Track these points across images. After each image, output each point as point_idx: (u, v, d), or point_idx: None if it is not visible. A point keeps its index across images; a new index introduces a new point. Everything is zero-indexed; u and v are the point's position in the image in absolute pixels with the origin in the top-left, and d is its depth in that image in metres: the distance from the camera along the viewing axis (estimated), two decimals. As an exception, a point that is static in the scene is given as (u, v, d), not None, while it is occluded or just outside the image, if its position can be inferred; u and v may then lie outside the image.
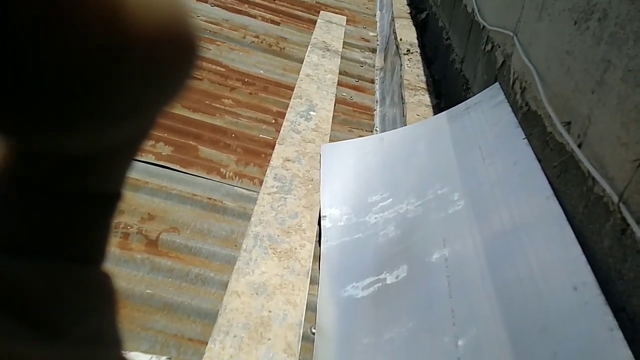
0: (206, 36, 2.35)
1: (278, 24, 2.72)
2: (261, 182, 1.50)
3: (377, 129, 2.12)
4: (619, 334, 0.70)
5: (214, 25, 2.48)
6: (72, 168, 0.13)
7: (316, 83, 2.07)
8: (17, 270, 0.11)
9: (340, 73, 2.35)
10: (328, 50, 2.39)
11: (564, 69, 0.98)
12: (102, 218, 0.15)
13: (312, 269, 1.31)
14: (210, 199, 1.43)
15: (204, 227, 1.34)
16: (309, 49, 2.35)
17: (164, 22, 0.12)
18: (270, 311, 1.10)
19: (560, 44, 1.01)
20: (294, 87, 2.05)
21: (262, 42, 2.47)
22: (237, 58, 2.25)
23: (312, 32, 2.59)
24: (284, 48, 2.47)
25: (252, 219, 1.33)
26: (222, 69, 2.10)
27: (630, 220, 0.72)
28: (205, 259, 1.26)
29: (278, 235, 1.30)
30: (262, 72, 2.20)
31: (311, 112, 1.88)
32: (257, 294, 1.13)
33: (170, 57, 0.12)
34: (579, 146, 0.89)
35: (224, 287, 1.16)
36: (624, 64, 0.79)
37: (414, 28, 2.49)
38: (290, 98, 1.96)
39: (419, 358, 0.93)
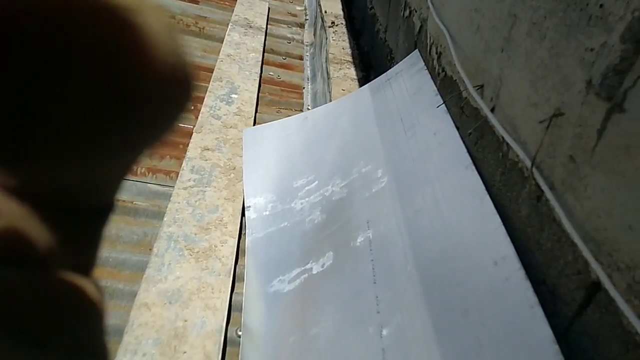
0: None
1: (197, 2, 2.53)
2: (177, 176, 1.37)
3: (309, 107, 2.02)
4: (539, 311, 0.65)
5: (123, 8, 2.27)
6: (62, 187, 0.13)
7: (238, 63, 1.93)
8: (2, 279, 0.11)
9: (266, 51, 2.22)
10: (250, 27, 2.25)
11: (474, 29, 0.91)
12: (93, 229, 0.14)
13: (238, 265, 1.21)
14: (118, 200, 1.28)
15: (111, 232, 1.20)
16: (229, 27, 2.19)
17: (176, 61, 0.12)
18: (185, 320, 1.00)
19: (469, 3, 0.94)
20: (214, 70, 1.91)
21: (179, 23, 2.28)
22: None
23: (234, 9, 2.42)
24: (203, 28, 2.30)
25: (166, 219, 1.21)
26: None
27: (544, 186, 0.67)
28: (114, 268, 1.13)
29: (195, 234, 1.19)
30: (178, 55, 2.03)
31: (233, 95, 1.74)
32: (170, 303, 1.02)
33: (176, 95, 0.12)
34: (492, 110, 0.83)
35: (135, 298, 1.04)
36: (529, 16, 0.72)
37: (339, 0, 2.39)
38: (209, 81, 1.82)
39: (344, 353, 0.86)
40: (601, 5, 0.57)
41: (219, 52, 2.05)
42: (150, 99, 0.11)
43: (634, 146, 0.52)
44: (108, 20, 0.10)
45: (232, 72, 1.87)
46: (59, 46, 0.10)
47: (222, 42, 2.14)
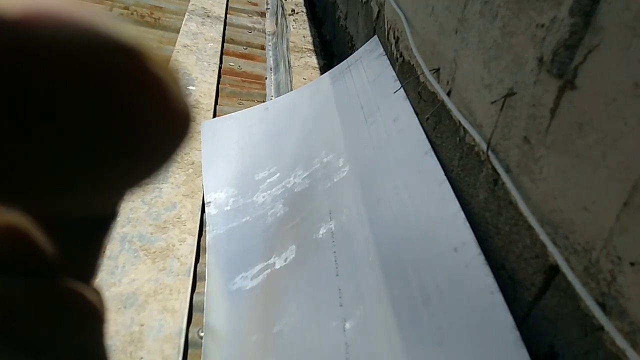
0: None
1: (151, -8, 2.42)
2: (133, 174, 1.30)
3: (272, 98, 1.97)
4: (499, 297, 0.64)
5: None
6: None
7: (195, 54, 1.86)
8: (0, 286, 0.11)
9: (226, 41, 2.15)
10: (208, 16, 2.17)
11: (429, 11, 0.89)
12: (95, 238, 0.14)
13: (200, 263, 1.16)
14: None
15: (61, 236, 1.13)
16: (186, 16, 2.11)
17: (183, 101, 0.12)
18: (142, 325, 0.95)
19: (424, -17, 0.92)
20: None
21: (132, 14, 2.19)
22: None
23: (191, -1, 2.33)
24: (159, 18, 2.21)
25: (119, 219, 1.15)
26: (81, 48, 1.82)
27: (499, 169, 0.65)
28: (64, 273, 1.06)
29: (151, 233, 1.13)
30: (132, 47, 1.94)
31: (190, 87, 1.68)
32: (125, 307, 0.97)
33: (180, 133, 0.12)
34: (448, 94, 0.81)
35: (88, 303, 0.98)
36: (481, -5, 0.70)
37: (299, -14, 2.33)
38: (165, 74, 1.74)
39: (307, 350, 0.83)
40: (550, -20, 0.55)
41: (176, 43, 1.97)
42: (159, 138, 0.11)
43: (586, 124, 0.51)
44: (127, 64, 0.10)
45: (189, 63, 1.80)
46: (76, 85, 0.10)
47: (178, 32, 2.05)
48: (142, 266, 1.05)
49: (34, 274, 0.11)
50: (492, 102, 0.62)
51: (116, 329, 0.92)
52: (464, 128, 0.75)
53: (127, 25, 0.11)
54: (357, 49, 1.45)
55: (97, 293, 0.14)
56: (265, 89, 1.99)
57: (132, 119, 0.11)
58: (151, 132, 0.11)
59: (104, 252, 1.09)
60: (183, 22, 2.09)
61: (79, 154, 0.10)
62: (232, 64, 2.05)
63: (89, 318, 0.13)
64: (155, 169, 0.12)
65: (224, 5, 2.36)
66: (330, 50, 1.96)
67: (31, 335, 0.11)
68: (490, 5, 0.67)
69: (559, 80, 0.53)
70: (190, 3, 2.27)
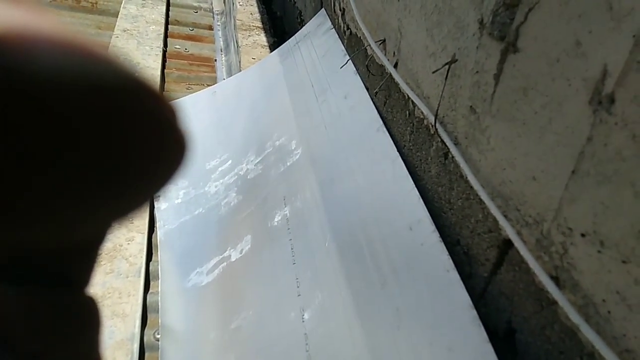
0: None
1: (86, -26, 2.25)
2: (73, 171, 1.21)
3: (224, 80, 1.88)
4: (455, 275, 0.61)
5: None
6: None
7: (136, 38, 1.75)
8: None
9: (170, 23, 2.03)
10: (149, -3, 2.04)
11: (370, -23, 0.84)
12: (91, 245, 0.14)
13: (153, 262, 1.10)
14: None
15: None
16: (124, -1, 1.97)
17: (183, 131, 0.12)
18: (89, 332, 0.88)
19: (363, -52, 0.86)
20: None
21: (67, 0, 2.03)
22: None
23: (129, -21, 2.18)
24: (96, 3, 2.06)
25: (59, 221, 1.07)
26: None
27: (448, 142, 0.62)
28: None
29: (96, 234, 1.06)
30: (67, 34, 1.80)
31: (132, 75, 1.57)
32: (69, 315, 0.90)
33: (180, 160, 0.12)
34: (395, 66, 0.77)
35: (30, 315, 0.91)
36: (420, -44, 0.66)
37: (245, -39, 2.22)
38: (104, 61, 1.63)
39: (266, 344, 0.79)
40: None
41: (114, 27, 1.84)
42: (158, 168, 0.11)
43: (531, 88, 0.47)
44: (127, 98, 0.10)
45: (129, 48, 1.69)
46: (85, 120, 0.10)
47: (117, 16, 1.92)
48: (87, 270, 0.98)
49: (30, 282, 0.11)
50: (434, 72, 0.58)
51: (61, 341, 0.86)
52: (412, 101, 0.72)
53: (121, 54, 0.10)
54: (306, 24, 1.39)
55: (93, 300, 0.14)
56: (215, 72, 1.90)
57: (133, 152, 0.10)
58: (151, 162, 0.11)
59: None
60: (122, 5, 1.95)
61: (76, 186, 0.10)
62: (178, 46, 1.94)
63: (85, 325, 0.13)
64: (151, 195, 0.12)
65: (166, -15, 2.23)
66: (282, 27, 1.88)
67: (28, 343, 0.11)
68: (430, -33, 0.63)
69: (501, 43, 0.49)
70: (129, -16, 2.13)
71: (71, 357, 0.12)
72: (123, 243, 1.06)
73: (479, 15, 0.52)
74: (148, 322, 0.99)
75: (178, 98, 1.57)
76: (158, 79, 1.60)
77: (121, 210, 0.11)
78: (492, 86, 0.52)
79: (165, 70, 1.73)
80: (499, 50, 0.50)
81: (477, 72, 0.55)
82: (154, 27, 1.85)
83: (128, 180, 0.11)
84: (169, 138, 0.11)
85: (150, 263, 1.09)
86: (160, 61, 1.69)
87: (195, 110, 1.37)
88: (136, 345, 0.89)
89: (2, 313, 0.11)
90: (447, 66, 0.56)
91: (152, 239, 1.13)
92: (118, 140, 0.10)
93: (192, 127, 1.09)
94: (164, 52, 1.80)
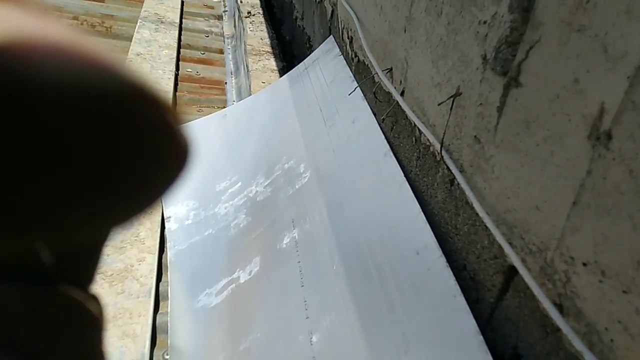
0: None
1: (102, 0, 2.34)
2: (87, 192, 1.24)
3: (234, 102, 1.93)
4: (462, 301, 0.62)
5: (15, 10, 2.04)
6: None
7: (149, 62, 1.80)
8: None
9: (182, 47, 2.09)
10: (162, 22, 2.10)
11: (378, 10, 0.87)
12: (92, 245, 0.14)
13: (162, 282, 1.12)
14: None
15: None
16: (138, 24, 2.04)
17: (187, 139, 0.12)
18: (100, 352, 0.90)
19: (371, -19, 0.90)
20: (123, 71, 1.76)
21: (82, 24, 2.10)
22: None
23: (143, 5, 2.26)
24: (110, 27, 2.13)
25: (72, 242, 1.09)
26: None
27: (454, 169, 0.64)
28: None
29: (108, 255, 1.08)
30: (83, 58, 1.86)
31: (145, 98, 1.62)
32: (81, 335, 0.92)
33: (182, 168, 0.12)
34: (402, 94, 0.79)
35: (43, 335, 0.92)
36: (426, -8, 0.69)
37: (255, -13, 2.29)
38: (118, 85, 1.67)
39: (274, 367, 0.80)
40: (490, -25, 0.54)
41: (128, 51, 1.90)
42: (162, 173, 0.12)
43: (532, 121, 0.49)
44: (132, 106, 0.10)
45: (143, 72, 1.74)
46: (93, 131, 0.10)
47: (131, 40, 1.98)
48: (99, 290, 1.00)
49: (31, 281, 0.11)
50: (440, 104, 0.61)
51: None
52: (418, 128, 0.74)
53: (126, 62, 0.10)
54: (315, 50, 1.43)
55: (96, 300, 0.14)
56: (225, 95, 1.95)
57: (135, 158, 0.10)
58: (152, 168, 0.11)
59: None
60: (135, 30, 2.02)
61: (76, 192, 0.10)
62: (189, 70, 1.99)
63: (87, 324, 0.13)
64: (153, 201, 0.12)
65: (179, 10, 2.30)
66: (291, 51, 1.93)
67: (30, 342, 0.11)
68: (435, 3, 0.66)
69: (504, 77, 0.52)
70: (143, 9, 2.20)
71: (73, 356, 0.12)
72: (134, 263, 1.08)
73: (482, 51, 0.55)
74: (157, 342, 1.00)
75: (190, 120, 1.60)
76: (170, 102, 1.64)
77: (123, 214, 0.11)
78: (496, 118, 0.55)
79: (177, 93, 1.78)
80: (501, 85, 0.52)
81: (480, 104, 0.57)
82: (166, 51, 1.90)
83: (129, 185, 0.11)
84: (170, 144, 0.11)
85: (160, 283, 1.10)
86: (172, 84, 1.74)
87: (206, 133, 1.40)
88: (146, 366, 0.90)
89: (4, 313, 0.11)
90: (452, 99, 0.59)
91: (162, 260, 1.15)
92: (120, 145, 0.10)
93: (203, 150, 1.12)
94: (176, 75, 1.84)
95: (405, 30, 0.77)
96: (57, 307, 0.12)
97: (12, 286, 0.11)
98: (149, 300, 1.01)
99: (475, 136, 0.59)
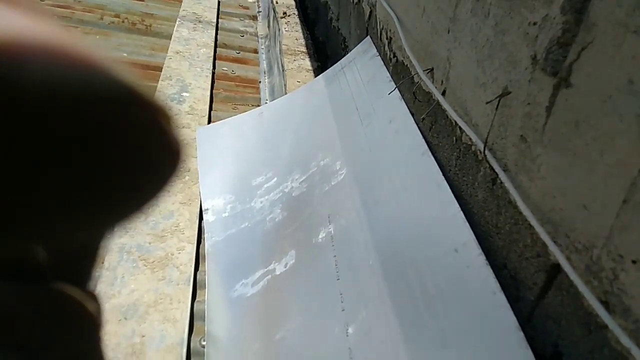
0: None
1: (142, -1, 2.41)
2: (129, 183, 1.29)
3: (267, 101, 1.96)
4: (501, 297, 0.63)
5: (63, 9, 2.15)
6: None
7: (188, 60, 1.85)
8: None
9: (218, 46, 2.15)
10: (200, 22, 2.16)
11: (420, 11, 0.89)
12: (90, 247, 0.14)
13: (199, 271, 1.16)
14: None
15: (58, 249, 1.12)
16: (177, 22, 2.10)
17: (179, 142, 0.12)
18: (143, 336, 0.94)
19: (414, -17, 0.91)
20: (162, 68, 1.82)
21: (123, 22, 2.18)
22: (94, 43, 1.95)
23: (181, 4, 2.33)
24: (150, 25, 2.20)
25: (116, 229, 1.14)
26: (73, 58, 1.80)
27: (497, 168, 0.65)
28: (63, 287, 1.06)
29: (150, 243, 1.13)
30: (125, 54, 1.94)
31: (184, 93, 1.67)
32: (125, 318, 0.96)
33: (175, 169, 0.12)
34: (443, 94, 0.81)
35: (88, 316, 0.97)
36: (472, -6, 0.70)
37: (290, -12, 2.33)
38: (158, 81, 1.73)
39: (310, 356, 0.82)
40: (542, -23, 0.55)
41: (168, 49, 1.96)
42: (153, 175, 0.12)
43: (582, 122, 0.50)
44: (124, 110, 0.10)
45: (182, 69, 1.79)
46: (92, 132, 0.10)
47: (170, 38, 2.05)
48: (141, 276, 1.05)
49: (24, 278, 0.11)
50: (487, 102, 0.62)
51: (117, 341, 0.92)
52: (460, 128, 0.75)
53: (118, 61, 0.10)
54: (350, 50, 1.45)
55: (94, 298, 0.13)
56: (259, 93, 1.99)
57: (126, 160, 0.10)
58: (144, 170, 0.11)
59: (102, 263, 1.08)
60: (175, 28, 2.08)
61: (68, 195, 0.10)
62: (225, 68, 2.04)
63: (85, 322, 0.13)
64: (147, 203, 0.12)
65: (215, 10, 2.36)
66: (324, 52, 1.95)
67: (26, 340, 0.11)
68: (482, 4, 0.67)
69: (554, 78, 0.53)
70: (182, 9, 2.27)
71: (72, 354, 0.12)
72: (174, 252, 1.12)
73: (532, 51, 0.56)
74: (194, 329, 1.03)
75: (225, 117, 1.65)
76: (208, 99, 1.69)
77: (115, 216, 0.11)
78: (544, 118, 0.55)
79: (214, 91, 1.83)
80: (551, 85, 0.53)
81: (528, 103, 0.58)
82: (204, 49, 1.96)
83: (121, 187, 0.11)
84: (162, 146, 0.11)
85: (197, 273, 1.14)
86: (209, 82, 1.78)
87: (243, 130, 1.44)
88: (185, 351, 0.94)
89: (4, 311, 0.11)
90: (499, 98, 0.60)
91: (200, 250, 1.19)
92: (110, 147, 0.10)
93: (240, 145, 1.15)
94: (213, 73, 1.89)
95: (448, 31, 0.78)
96: (52, 305, 0.12)
97: (5, 284, 0.11)
98: (188, 287, 1.05)
99: (521, 135, 0.60)
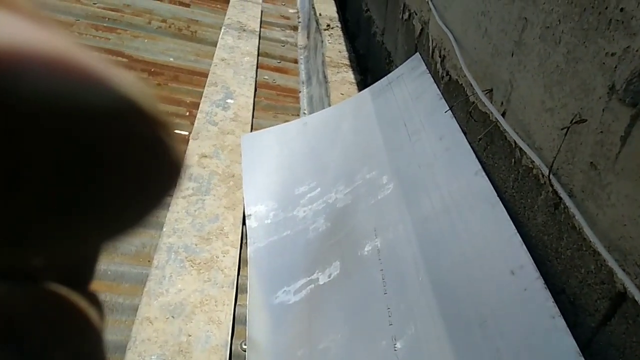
0: (105, 25, 2.11)
1: (188, 5, 2.49)
2: (175, 185, 1.33)
3: (305, 111, 2.00)
4: (561, 322, 0.63)
5: (113, 12, 2.23)
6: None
7: (232, 67, 1.90)
8: None
9: (260, 55, 2.19)
10: (244, 30, 2.22)
11: (481, 32, 0.90)
12: (89, 254, 0.14)
13: (241, 276, 1.18)
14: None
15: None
16: (222, 30, 2.16)
17: (179, 154, 0.12)
18: (189, 335, 0.96)
19: (475, 5, 0.93)
20: (208, 74, 1.87)
21: (170, 27, 2.25)
22: (142, 46, 2.03)
23: (226, 13, 2.39)
24: (195, 32, 2.27)
25: (165, 229, 1.18)
26: (124, 60, 1.88)
27: (562, 193, 0.65)
28: (113, 281, 1.09)
29: (196, 244, 1.16)
30: (171, 59, 2.00)
31: (228, 100, 1.71)
32: (173, 317, 0.99)
33: (175, 179, 0.12)
34: (503, 115, 0.81)
35: (136, 312, 1.00)
36: (541, 20, 0.71)
37: (333, 2, 2.37)
38: (204, 86, 1.78)
39: (357, 367, 0.83)
40: (622, 9, 0.56)
41: (212, 56, 2.02)
42: (153, 187, 0.11)
43: (661, 153, 0.51)
44: (125, 124, 0.10)
45: (227, 76, 1.84)
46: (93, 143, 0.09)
47: (214, 45, 2.10)
48: (188, 277, 1.07)
49: (20, 279, 0.11)
50: (562, 129, 0.62)
51: (165, 339, 0.94)
52: (520, 150, 0.76)
53: (122, 70, 0.10)
54: (396, 65, 1.47)
55: (94, 299, 0.13)
56: (299, 102, 2.02)
57: (127, 173, 0.10)
58: (146, 183, 0.11)
59: (150, 261, 1.11)
60: (220, 36, 2.14)
61: (71, 207, 0.10)
62: (266, 77, 2.08)
63: (80, 323, 0.12)
64: (145, 215, 0.12)
65: (259, 20, 2.41)
66: (365, 65, 1.97)
67: (30, 341, 0.11)
68: (553, 31, 0.68)
69: (632, 109, 0.53)
70: (227, 17, 2.33)
71: (73, 356, 0.12)
72: (219, 255, 1.15)
73: (610, 81, 0.56)
74: (236, 332, 1.06)
75: (266, 125, 1.69)
76: (251, 107, 1.73)
77: (114, 229, 0.11)
78: (618, 147, 0.56)
79: (256, 99, 1.87)
80: (629, 115, 0.54)
81: (601, 132, 0.58)
82: (248, 58, 2.01)
83: (119, 200, 0.10)
84: (162, 159, 0.11)
85: (239, 277, 1.17)
86: (252, 90, 1.83)
87: (287, 139, 1.47)
88: (227, 353, 0.96)
89: (6, 311, 0.11)
90: (573, 124, 0.60)
91: (242, 254, 1.22)
92: (108, 161, 0.10)
93: (284, 154, 1.18)
94: (255, 81, 1.94)
95: (512, 54, 0.79)
96: (45, 306, 0.12)
97: (10, 285, 0.11)
98: (232, 290, 1.07)
99: (591, 162, 0.60)
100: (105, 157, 0.10)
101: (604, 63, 0.58)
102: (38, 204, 0.09)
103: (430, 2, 1.17)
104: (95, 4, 2.28)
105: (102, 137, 0.09)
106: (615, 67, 0.56)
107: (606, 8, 0.58)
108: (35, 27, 0.09)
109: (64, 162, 0.09)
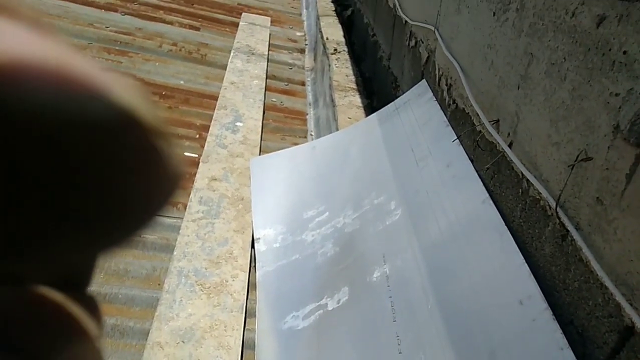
0: (117, 48, 2.16)
1: (198, 29, 2.55)
2: (186, 207, 1.36)
3: (312, 133, 2.03)
4: (569, 353, 0.64)
5: (125, 36, 2.28)
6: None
7: (242, 90, 1.94)
8: None
9: (268, 77, 2.24)
10: (253, 54, 2.27)
11: (488, 64, 0.92)
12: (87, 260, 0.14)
13: (249, 300, 1.19)
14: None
15: (119, 267, 1.18)
16: (232, 54, 2.21)
17: (177, 166, 0.12)
18: (200, 360, 0.97)
19: (482, 37, 0.96)
20: (218, 97, 1.91)
21: (180, 50, 2.30)
22: (153, 69, 2.07)
23: (235, 36, 2.45)
24: (205, 55, 2.32)
25: (175, 253, 1.19)
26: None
27: (569, 226, 0.67)
28: (123, 305, 1.11)
29: (206, 268, 1.17)
30: (182, 82, 2.04)
31: (238, 123, 1.75)
32: (183, 342, 1.00)
33: (171, 192, 0.12)
34: (510, 146, 0.83)
35: (147, 336, 1.01)
36: (547, 56, 0.73)
37: (340, 26, 2.42)
38: (214, 109, 1.82)
39: (366, 396, 0.84)
40: (625, 52, 0.58)
41: (222, 79, 2.06)
42: (151, 198, 0.11)
43: (666, 192, 0.52)
44: (124, 134, 0.10)
45: (236, 99, 1.88)
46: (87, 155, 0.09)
47: (224, 68, 2.15)
48: (198, 301, 1.09)
49: (4, 283, 0.11)
50: (570, 166, 0.64)
51: (176, 364, 0.95)
52: (527, 181, 0.77)
53: (121, 78, 0.10)
54: (402, 90, 1.50)
55: (92, 302, 0.13)
56: (306, 124, 2.05)
57: (125, 184, 0.10)
58: (142, 194, 0.11)
59: (162, 285, 1.12)
60: (229, 60, 2.18)
61: (68, 219, 0.10)
62: (274, 99, 2.12)
63: (73, 327, 0.12)
64: (142, 225, 0.12)
65: (267, 43, 2.46)
66: (370, 88, 2.01)
67: (26, 343, 0.11)
68: (558, 68, 0.70)
69: (637, 148, 0.55)
70: (236, 40, 2.38)
71: (71, 358, 0.12)
72: (228, 279, 1.16)
73: (614, 121, 0.58)
74: (244, 357, 1.06)
75: (275, 147, 1.71)
76: (259, 129, 1.76)
77: (110, 240, 0.11)
78: (624, 184, 0.57)
79: (264, 121, 1.90)
80: (633, 154, 0.56)
81: (607, 168, 0.60)
82: (256, 81, 2.05)
83: (116, 211, 0.10)
84: (159, 170, 0.11)
85: (248, 301, 1.18)
86: (261, 113, 1.86)
87: (295, 162, 1.49)
88: (237, 379, 0.97)
89: (3, 314, 0.11)
90: (579, 161, 0.62)
91: (250, 278, 1.23)
92: (106, 172, 0.10)
93: (293, 178, 1.20)
94: (264, 104, 1.97)
95: (518, 87, 0.81)
96: (42, 311, 0.12)
97: (7, 287, 0.11)
98: (241, 315, 1.08)
99: (597, 197, 0.62)
100: (102, 166, 0.10)
101: (608, 102, 0.60)
102: (33, 215, 0.09)
103: (436, 32, 1.20)
104: (107, 27, 2.34)
105: (98, 146, 0.09)
106: (620, 108, 0.58)
107: (609, 50, 0.60)
108: (34, 35, 0.09)
109: (59, 171, 0.09)
